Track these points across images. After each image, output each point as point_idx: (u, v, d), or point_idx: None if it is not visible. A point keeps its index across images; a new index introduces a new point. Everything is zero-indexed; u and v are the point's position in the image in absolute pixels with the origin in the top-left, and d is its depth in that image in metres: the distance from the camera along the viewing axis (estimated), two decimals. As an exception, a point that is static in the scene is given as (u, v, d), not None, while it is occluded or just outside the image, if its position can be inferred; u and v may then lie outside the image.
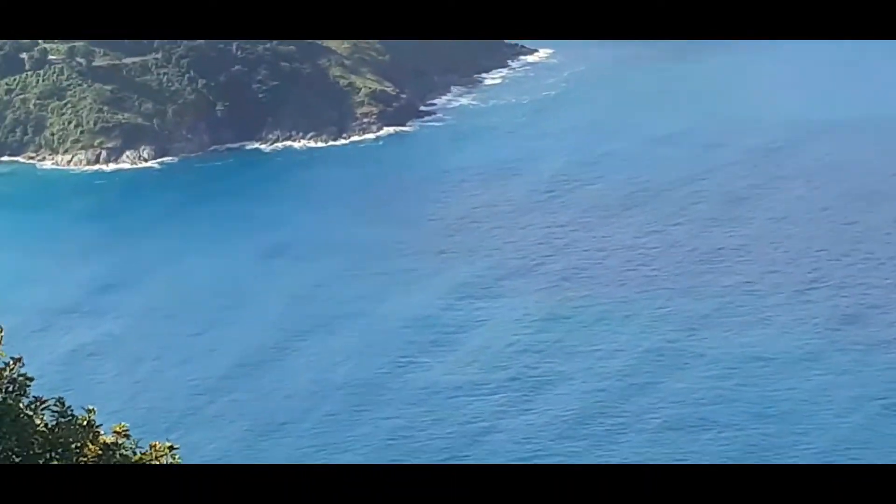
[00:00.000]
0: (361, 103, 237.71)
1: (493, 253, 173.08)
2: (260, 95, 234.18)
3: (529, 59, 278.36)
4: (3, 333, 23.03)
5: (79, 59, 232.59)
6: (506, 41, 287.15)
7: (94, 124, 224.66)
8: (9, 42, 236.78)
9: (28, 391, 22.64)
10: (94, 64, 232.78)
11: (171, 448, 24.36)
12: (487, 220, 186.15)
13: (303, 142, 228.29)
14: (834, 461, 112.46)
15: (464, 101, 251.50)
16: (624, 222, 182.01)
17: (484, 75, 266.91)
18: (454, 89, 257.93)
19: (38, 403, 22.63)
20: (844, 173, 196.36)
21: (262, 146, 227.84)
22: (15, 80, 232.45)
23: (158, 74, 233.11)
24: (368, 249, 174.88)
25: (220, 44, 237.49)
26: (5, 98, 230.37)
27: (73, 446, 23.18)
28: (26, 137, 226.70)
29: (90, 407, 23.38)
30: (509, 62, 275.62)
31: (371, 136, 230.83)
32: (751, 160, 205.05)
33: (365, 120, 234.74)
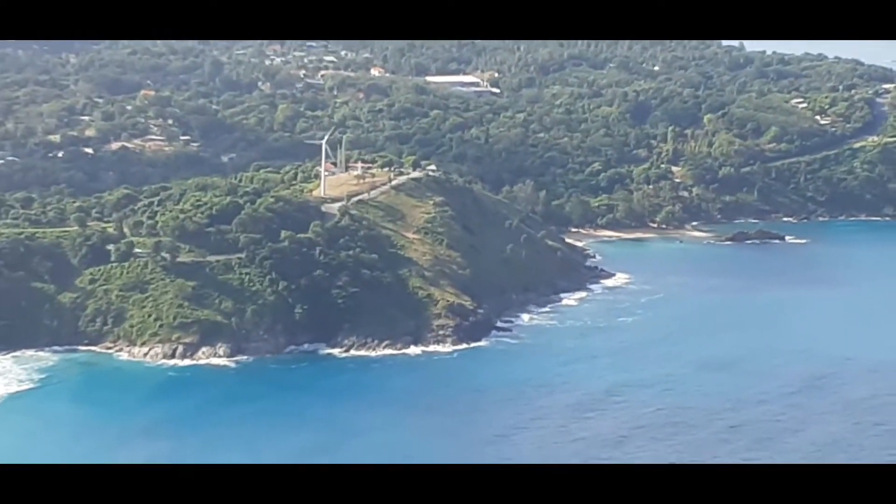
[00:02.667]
0: (439, 315, 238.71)
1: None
2: (339, 301, 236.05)
3: (608, 282, 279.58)
4: None
5: (164, 254, 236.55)
6: (585, 263, 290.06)
7: (174, 319, 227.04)
8: (97, 233, 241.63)
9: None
10: (178, 259, 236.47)
11: None
12: (533, 433, 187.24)
13: (378, 350, 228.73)
14: None
15: (541, 320, 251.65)
16: (660, 445, 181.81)
17: (563, 296, 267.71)
18: (532, 308, 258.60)
19: None
20: (884, 414, 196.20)
21: (336, 351, 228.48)
22: (100, 270, 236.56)
23: (241, 274, 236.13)
24: (407, 455, 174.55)
25: (304, 247, 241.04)
26: (89, 288, 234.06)
27: None
28: (105, 328, 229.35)
29: None
30: (588, 285, 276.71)
31: (446, 347, 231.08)
32: (796, 393, 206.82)
33: (441, 332, 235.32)
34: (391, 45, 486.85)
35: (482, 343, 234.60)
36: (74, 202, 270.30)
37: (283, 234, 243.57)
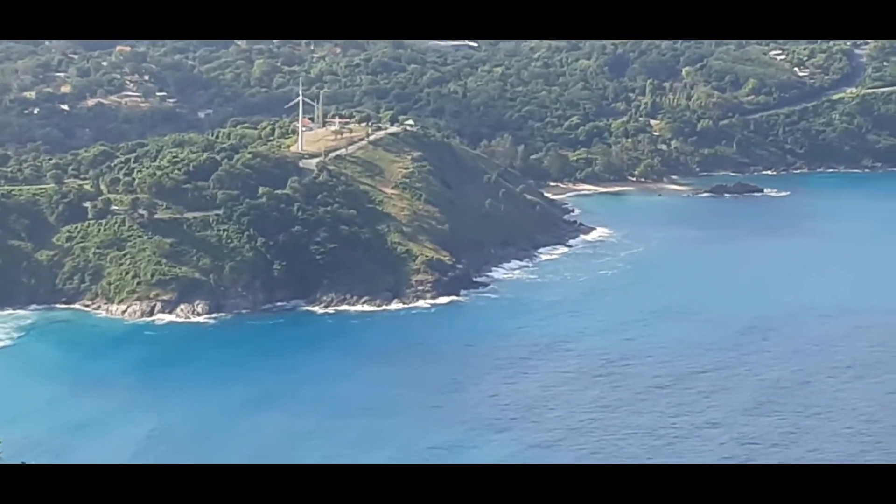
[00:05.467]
0: (417, 270, 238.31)
1: (513, 425, 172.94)
2: (317, 257, 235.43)
3: (588, 237, 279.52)
4: None
5: (141, 211, 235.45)
6: (564, 217, 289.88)
7: (152, 276, 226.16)
8: (73, 190, 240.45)
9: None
10: (155, 216, 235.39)
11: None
12: (485, 382, 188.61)
13: (357, 306, 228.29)
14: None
15: (520, 274, 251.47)
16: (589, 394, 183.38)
17: (542, 251, 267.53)
18: (511, 262, 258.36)
19: None
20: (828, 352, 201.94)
21: (316, 308, 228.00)
22: (77, 227, 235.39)
23: (218, 230, 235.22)
24: (364, 406, 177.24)
25: (282, 203, 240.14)
26: (66, 245, 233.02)
27: None
28: (83, 285, 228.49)
29: None
30: (568, 239, 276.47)
31: (425, 303, 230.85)
32: (754, 338, 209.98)
33: (420, 287, 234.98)
34: None
35: (461, 298, 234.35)
36: (51, 159, 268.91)
37: (261, 190, 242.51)
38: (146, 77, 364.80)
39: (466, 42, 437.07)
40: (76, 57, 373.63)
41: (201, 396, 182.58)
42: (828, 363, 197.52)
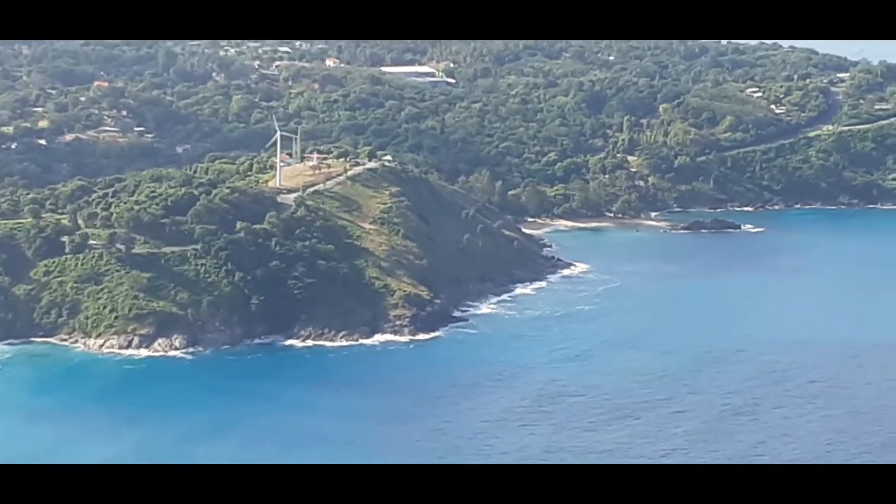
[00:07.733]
0: (395, 305, 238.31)
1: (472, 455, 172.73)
2: (295, 292, 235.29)
3: (566, 272, 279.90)
4: None
5: (118, 246, 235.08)
6: (542, 253, 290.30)
7: (129, 311, 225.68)
8: (51, 225, 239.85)
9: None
10: (133, 251, 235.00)
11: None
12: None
13: (335, 341, 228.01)
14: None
15: (498, 310, 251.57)
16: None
17: (520, 286, 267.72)
18: (490, 297, 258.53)
19: None
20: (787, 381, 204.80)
21: (294, 342, 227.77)
22: (54, 262, 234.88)
23: (196, 265, 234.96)
24: (319, 437, 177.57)
25: (260, 238, 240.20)
26: (43, 280, 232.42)
27: None
28: (60, 320, 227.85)
29: None
30: (546, 275, 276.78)
31: (403, 338, 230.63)
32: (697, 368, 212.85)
33: (398, 322, 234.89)
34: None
35: (439, 333, 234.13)
36: (28, 194, 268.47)
37: (239, 225, 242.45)
38: (124, 112, 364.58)
39: (444, 78, 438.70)
40: (54, 92, 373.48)
41: (163, 428, 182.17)
42: (782, 393, 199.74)
